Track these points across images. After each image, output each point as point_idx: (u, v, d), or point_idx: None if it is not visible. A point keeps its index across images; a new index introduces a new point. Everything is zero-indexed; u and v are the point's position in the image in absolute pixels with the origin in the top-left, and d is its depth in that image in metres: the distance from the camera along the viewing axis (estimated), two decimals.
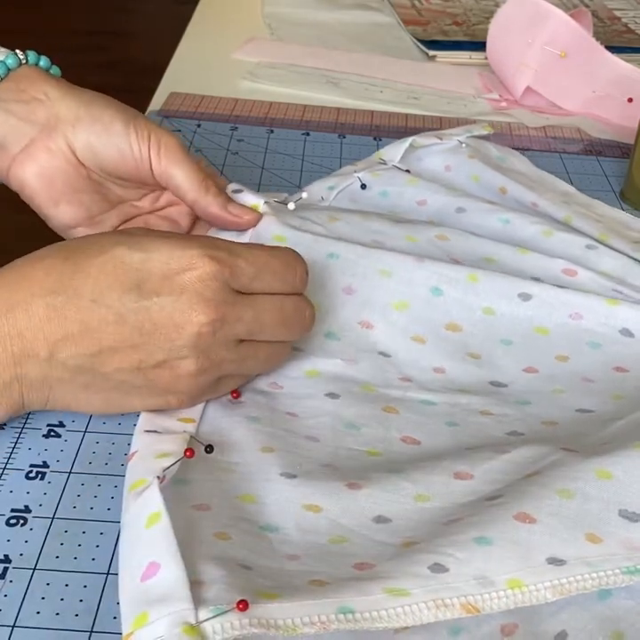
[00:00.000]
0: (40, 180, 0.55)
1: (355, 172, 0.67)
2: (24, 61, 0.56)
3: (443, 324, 0.54)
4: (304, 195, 0.63)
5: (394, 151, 0.69)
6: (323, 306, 0.54)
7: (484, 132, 0.74)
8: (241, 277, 0.46)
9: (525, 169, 0.72)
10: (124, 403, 0.46)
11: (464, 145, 0.70)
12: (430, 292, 0.55)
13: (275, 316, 0.47)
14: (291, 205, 0.58)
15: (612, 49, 0.87)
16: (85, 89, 0.56)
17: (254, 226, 0.56)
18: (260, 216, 0.57)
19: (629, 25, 1.09)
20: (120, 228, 0.58)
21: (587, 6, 1.12)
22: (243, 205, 0.57)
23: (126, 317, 0.44)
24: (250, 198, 0.58)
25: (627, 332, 0.54)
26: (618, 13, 1.12)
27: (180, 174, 0.55)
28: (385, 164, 0.68)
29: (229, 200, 0.57)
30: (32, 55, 0.57)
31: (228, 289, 0.45)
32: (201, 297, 0.44)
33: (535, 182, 0.69)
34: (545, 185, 0.70)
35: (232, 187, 0.59)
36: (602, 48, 0.85)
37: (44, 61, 0.57)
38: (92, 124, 0.54)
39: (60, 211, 0.56)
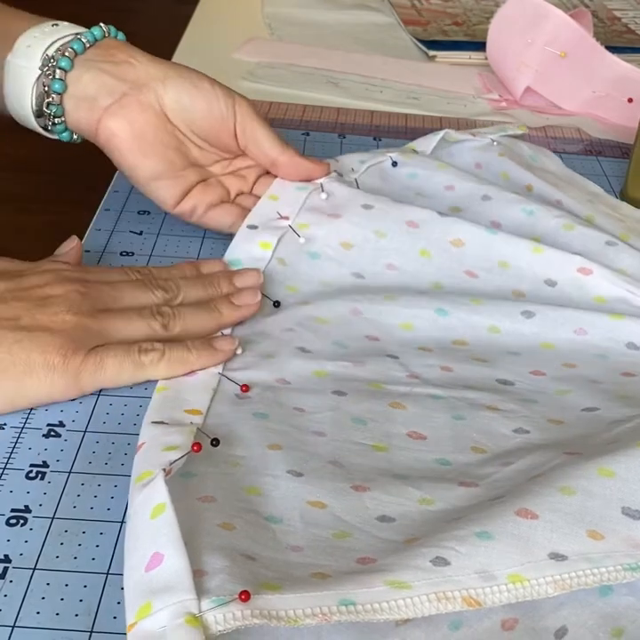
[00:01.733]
0: (131, 131, 0.58)
1: (388, 153, 0.68)
2: (107, 34, 0.60)
3: (450, 340, 0.55)
4: (323, 196, 0.63)
5: (427, 143, 0.71)
6: (329, 321, 0.55)
7: (519, 132, 0.74)
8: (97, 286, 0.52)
9: (556, 169, 0.72)
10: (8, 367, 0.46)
11: (496, 143, 0.71)
12: (435, 313, 0.55)
13: (129, 285, 0.52)
14: (301, 240, 0.60)
15: (612, 49, 0.87)
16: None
17: (326, 174, 0.63)
18: (328, 166, 0.63)
19: (629, 25, 1.09)
20: (197, 186, 0.61)
21: (587, 6, 1.12)
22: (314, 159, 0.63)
23: None
24: (264, 237, 0.59)
25: (633, 346, 0.54)
26: (618, 13, 1.12)
27: (262, 132, 0.60)
28: (417, 154, 0.69)
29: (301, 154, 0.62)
30: (113, 30, 0.61)
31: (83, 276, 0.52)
32: (61, 274, 0.50)
33: (563, 181, 0.70)
34: (574, 185, 0.70)
35: (248, 222, 0.60)
36: (602, 48, 0.85)
37: (121, 36, 0.62)
38: (182, 81, 0.59)
39: (147, 162, 0.59)
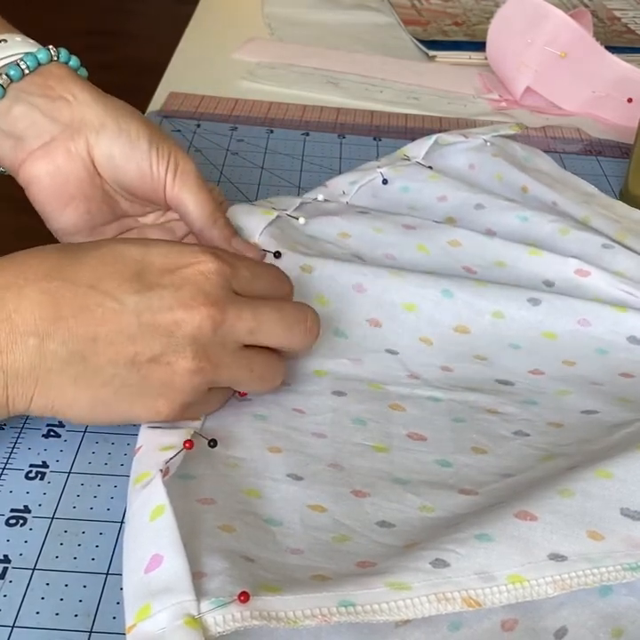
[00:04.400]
0: (53, 179, 0.54)
1: (378, 167, 0.67)
2: (55, 58, 0.55)
3: (452, 326, 0.54)
4: (320, 197, 0.63)
5: (418, 148, 0.69)
6: (332, 303, 0.54)
7: (512, 132, 0.74)
8: (241, 279, 0.45)
9: (549, 169, 0.72)
10: (111, 404, 0.43)
11: (489, 143, 0.71)
12: (440, 294, 0.55)
13: (274, 314, 0.46)
14: (301, 220, 0.59)
15: (612, 49, 0.87)
16: (111, 96, 0.55)
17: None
18: (263, 255, 0.56)
19: (629, 25, 1.09)
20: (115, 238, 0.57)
21: (587, 6, 1.12)
22: (246, 241, 0.56)
23: (125, 306, 0.42)
24: (265, 208, 0.58)
25: (634, 340, 0.54)
26: (618, 13, 1.12)
27: (191, 202, 0.54)
28: (409, 160, 0.68)
29: (235, 234, 0.56)
30: (64, 53, 0.56)
31: (228, 287, 0.44)
32: (202, 291, 0.43)
33: (558, 182, 0.70)
34: (568, 185, 0.70)
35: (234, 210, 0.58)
36: (602, 48, 0.85)
37: (74, 61, 0.57)
38: (118, 135, 0.53)
39: (65, 214, 0.55)
